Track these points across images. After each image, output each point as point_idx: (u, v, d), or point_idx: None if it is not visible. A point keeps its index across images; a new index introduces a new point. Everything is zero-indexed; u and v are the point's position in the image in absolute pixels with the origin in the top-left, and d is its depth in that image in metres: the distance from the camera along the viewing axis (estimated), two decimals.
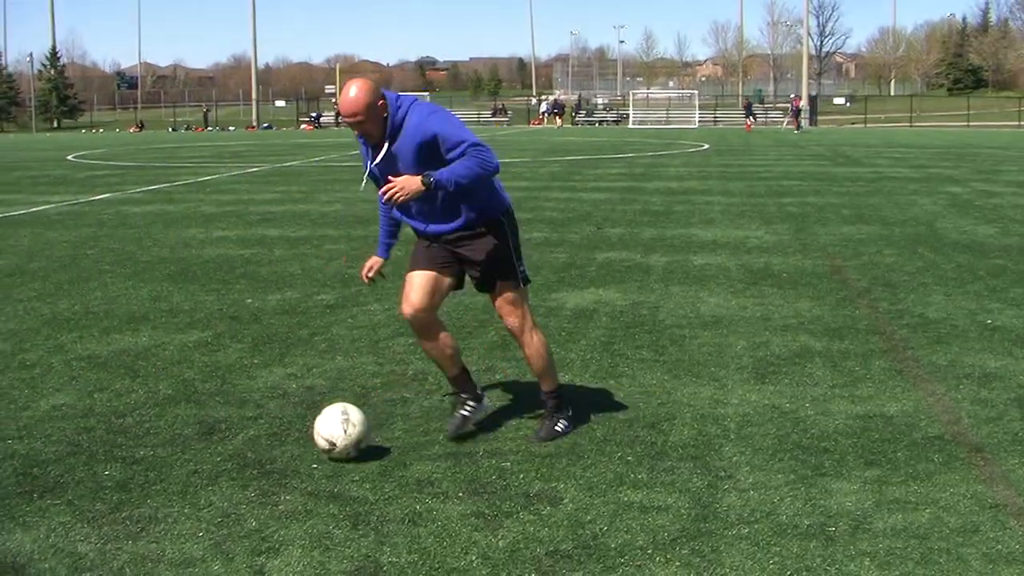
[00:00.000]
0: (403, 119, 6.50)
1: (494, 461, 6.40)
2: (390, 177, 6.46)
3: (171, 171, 35.57)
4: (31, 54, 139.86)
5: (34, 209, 22.55)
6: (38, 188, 28.73)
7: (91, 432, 7.06)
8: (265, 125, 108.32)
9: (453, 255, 6.85)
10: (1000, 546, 5.13)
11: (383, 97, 6.48)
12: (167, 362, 8.97)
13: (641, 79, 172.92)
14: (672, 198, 23.08)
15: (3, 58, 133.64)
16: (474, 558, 5.06)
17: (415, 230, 6.92)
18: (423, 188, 6.38)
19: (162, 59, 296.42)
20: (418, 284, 6.86)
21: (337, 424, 6.38)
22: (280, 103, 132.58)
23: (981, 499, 5.74)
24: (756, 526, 5.39)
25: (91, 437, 6.95)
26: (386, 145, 6.52)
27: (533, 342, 6.95)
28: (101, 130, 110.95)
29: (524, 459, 6.43)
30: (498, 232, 6.83)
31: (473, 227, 6.76)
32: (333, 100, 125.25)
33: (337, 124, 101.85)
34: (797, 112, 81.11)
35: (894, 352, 9.04)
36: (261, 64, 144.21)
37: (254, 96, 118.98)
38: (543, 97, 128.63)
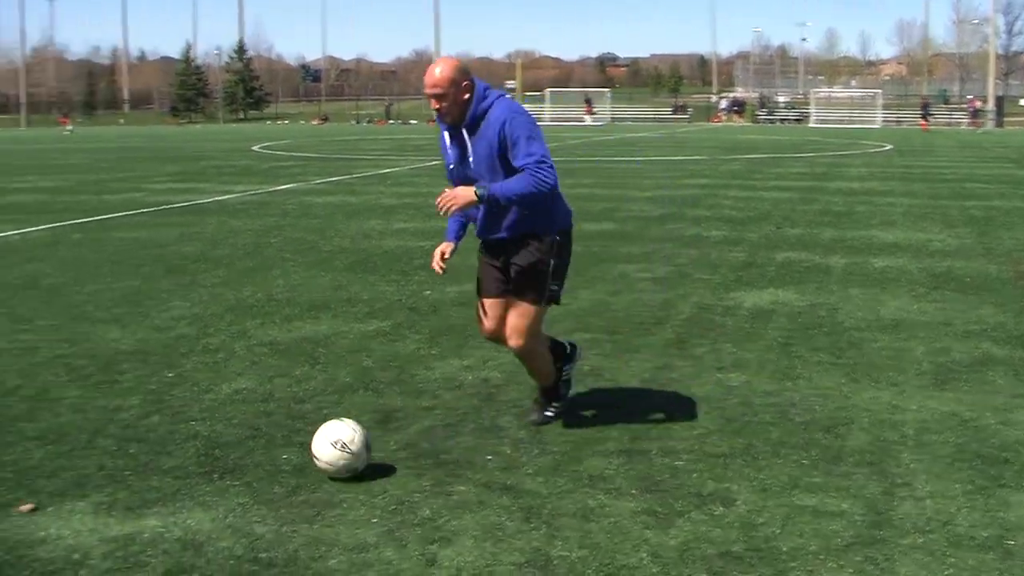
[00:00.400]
0: (487, 110, 6.52)
1: (667, 460, 6.38)
2: (445, 190, 6.51)
3: (353, 163, 36.11)
4: (219, 47, 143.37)
5: (220, 198, 23.08)
6: (223, 177, 29.38)
7: (271, 416, 7.21)
8: None
9: (504, 266, 6.85)
10: None
11: (471, 80, 6.51)
12: (346, 350, 9.11)
13: (823, 78, 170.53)
14: (853, 199, 22.75)
15: (193, 51, 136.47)
16: (645, 556, 5.05)
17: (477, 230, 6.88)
18: (475, 201, 6.42)
19: (346, 53, 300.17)
20: (490, 312, 6.99)
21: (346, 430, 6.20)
22: None
23: None
24: (931, 536, 5.30)
25: (270, 421, 7.10)
26: (465, 133, 6.55)
27: (536, 359, 7.08)
28: (286, 122, 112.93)
29: (697, 458, 6.40)
30: (544, 248, 6.76)
31: (523, 238, 6.73)
32: (512, 93, 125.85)
33: (583, 120, 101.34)
34: (975, 112, 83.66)
35: None
36: None
37: None
38: (723, 94, 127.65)
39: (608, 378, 8.19)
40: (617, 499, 5.76)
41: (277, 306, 10.96)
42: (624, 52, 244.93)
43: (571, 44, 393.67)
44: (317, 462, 6.07)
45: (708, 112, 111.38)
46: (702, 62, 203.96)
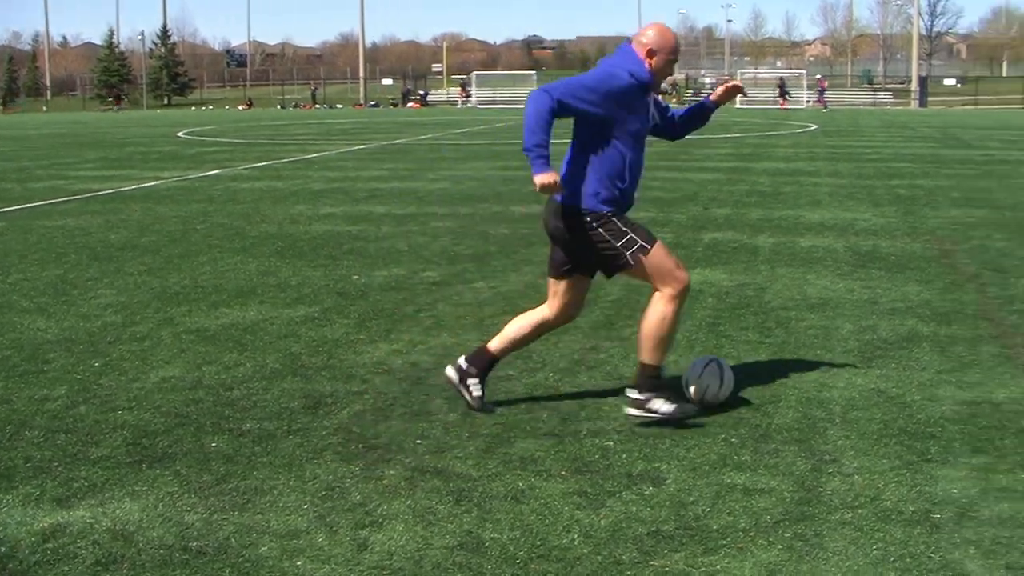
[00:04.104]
0: None
1: (597, 440, 6.40)
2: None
3: (279, 148, 35.91)
4: (143, 32, 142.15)
5: (145, 185, 22.89)
6: (149, 164, 29.15)
7: (199, 404, 7.16)
8: (372, 103, 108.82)
9: None
10: None
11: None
12: (275, 336, 9.07)
13: (749, 59, 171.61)
14: (780, 179, 22.90)
15: (116, 36, 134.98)
16: (576, 536, 5.07)
17: (624, 204, 6.87)
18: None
19: (271, 37, 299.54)
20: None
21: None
22: (387, 81, 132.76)
23: None
24: (860, 511, 5.35)
25: (199, 409, 7.05)
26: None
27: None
28: (211, 107, 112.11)
29: (627, 439, 6.43)
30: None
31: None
32: (439, 78, 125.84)
33: (456, 103, 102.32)
34: (822, 92, 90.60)
35: (1004, 338, 8.91)
36: (369, 43, 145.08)
37: (362, 74, 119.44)
38: None
39: (537, 360, 8.19)
40: (548, 481, 5.77)
41: (204, 293, 10.89)
42: (550, 35, 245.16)
43: (497, 27, 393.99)
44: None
45: None
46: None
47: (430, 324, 9.46)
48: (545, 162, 6.41)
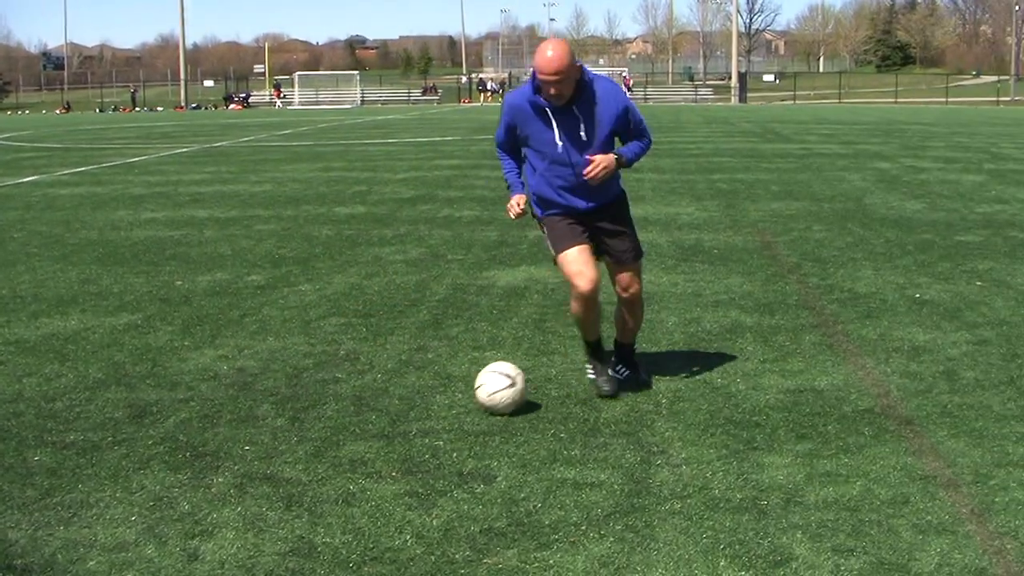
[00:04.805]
0: (591, 83, 6.81)
1: (427, 440, 6.40)
2: (588, 157, 6.82)
3: (99, 153, 35.23)
4: None
5: None
6: None
7: (20, 417, 6.99)
8: (194, 105, 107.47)
9: (592, 228, 7.14)
10: (930, 517, 5.19)
11: (577, 60, 6.74)
12: (97, 345, 8.89)
13: None
14: None
15: None
16: (409, 537, 5.06)
17: (565, 206, 7.10)
18: (617, 166, 6.90)
19: (89, 39, 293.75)
20: (585, 259, 7.04)
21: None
22: (209, 83, 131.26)
23: (911, 471, 5.80)
24: (689, 501, 5.42)
25: (20, 422, 6.88)
26: (576, 109, 6.82)
27: (640, 309, 7.49)
28: (27, 112, 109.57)
29: (457, 438, 6.43)
30: (626, 205, 7.35)
31: (618, 201, 7.22)
32: (262, 79, 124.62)
33: (273, 104, 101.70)
34: (628, 89, 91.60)
35: (824, 327, 9.11)
36: (189, 44, 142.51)
37: (182, 76, 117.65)
38: (474, 75, 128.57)
39: (364, 362, 8.16)
40: (378, 483, 5.75)
41: (22, 303, 10.63)
42: (373, 34, 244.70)
43: (320, 27, 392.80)
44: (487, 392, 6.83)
45: (459, 93, 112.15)
46: (452, 43, 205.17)
47: (256, 328, 9.36)
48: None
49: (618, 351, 7.60)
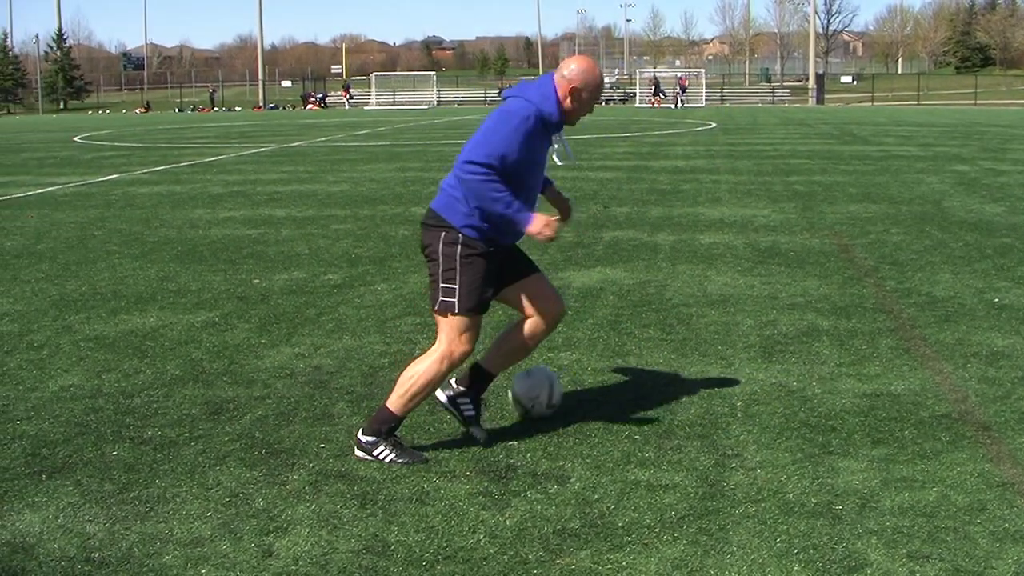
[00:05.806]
0: None
1: (501, 440, 6.40)
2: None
3: (178, 152, 35.57)
4: (37, 35, 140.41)
5: (41, 190, 22.55)
6: (45, 169, 28.72)
7: (99, 413, 7.07)
8: (271, 105, 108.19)
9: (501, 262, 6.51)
10: (1007, 524, 5.14)
11: None
12: (175, 342, 8.98)
13: (647, 58, 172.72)
14: (679, 177, 23.04)
15: (9, 40, 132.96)
16: (482, 536, 5.07)
17: (503, 242, 6.54)
18: None
19: (168, 40, 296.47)
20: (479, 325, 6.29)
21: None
22: (286, 83, 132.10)
23: (988, 477, 5.74)
24: (763, 504, 5.40)
25: (99, 418, 6.96)
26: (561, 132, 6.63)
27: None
28: (107, 111, 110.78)
29: (531, 438, 6.43)
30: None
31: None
32: (339, 79, 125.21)
33: (343, 104, 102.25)
34: (683, 90, 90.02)
35: (901, 331, 9.03)
36: (267, 44, 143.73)
37: (260, 76, 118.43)
38: None
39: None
40: (452, 482, 5.77)
41: (103, 300, 10.75)
42: (450, 35, 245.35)
43: (397, 27, 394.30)
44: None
45: None
46: (528, 44, 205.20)
47: (332, 327, 9.41)
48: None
49: (483, 384, 6.60)
